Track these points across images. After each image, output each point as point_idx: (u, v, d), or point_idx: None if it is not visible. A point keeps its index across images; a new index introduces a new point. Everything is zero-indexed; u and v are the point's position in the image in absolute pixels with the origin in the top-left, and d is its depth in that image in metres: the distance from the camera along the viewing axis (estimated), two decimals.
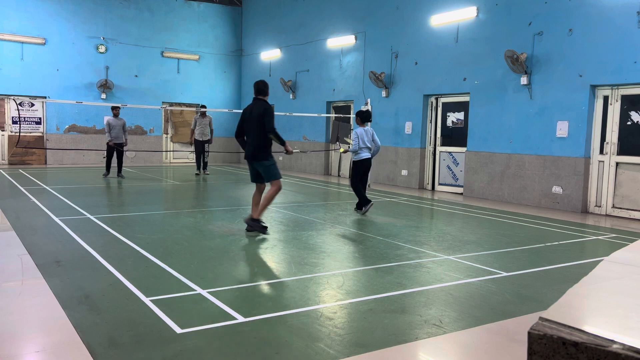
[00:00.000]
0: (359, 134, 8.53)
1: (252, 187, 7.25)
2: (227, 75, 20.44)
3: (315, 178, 15.03)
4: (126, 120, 18.03)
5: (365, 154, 8.59)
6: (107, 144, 13.16)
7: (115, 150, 13.25)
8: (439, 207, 10.15)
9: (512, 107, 10.79)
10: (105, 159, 13.44)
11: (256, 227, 6.64)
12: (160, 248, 5.89)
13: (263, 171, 6.66)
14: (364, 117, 8.65)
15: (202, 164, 14.65)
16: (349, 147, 8.87)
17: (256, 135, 6.59)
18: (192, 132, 14.50)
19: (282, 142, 6.73)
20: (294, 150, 7.30)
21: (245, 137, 6.86)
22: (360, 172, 8.67)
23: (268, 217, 8.04)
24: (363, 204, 8.54)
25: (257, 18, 19.60)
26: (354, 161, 8.71)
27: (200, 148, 14.46)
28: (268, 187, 6.85)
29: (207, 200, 10.58)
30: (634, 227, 8.33)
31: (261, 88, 6.87)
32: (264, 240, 6.50)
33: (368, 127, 8.74)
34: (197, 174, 14.68)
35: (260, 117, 6.54)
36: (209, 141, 14.51)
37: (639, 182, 9.07)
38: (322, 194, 11.79)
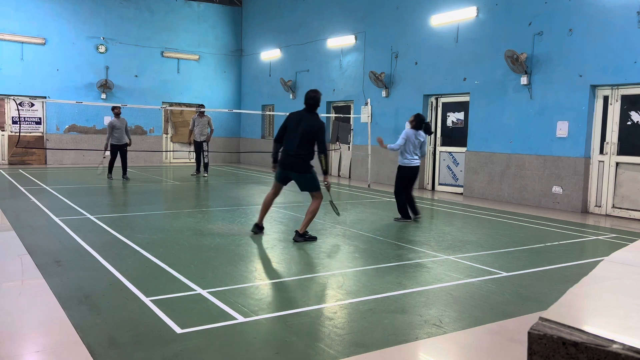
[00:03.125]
0: (408, 134, 7.85)
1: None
2: (227, 75, 20.44)
3: None
4: (127, 121, 18.16)
5: (415, 161, 7.93)
6: (105, 149, 12.96)
7: (118, 151, 12.95)
8: (439, 207, 10.15)
9: (512, 107, 10.79)
10: (108, 160, 13.17)
11: (307, 240, 6.40)
12: (160, 248, 5.89)
13: (304, 183, 6.44)
14: (418, 122, 7.91)
15: (202, 165, 14.42)
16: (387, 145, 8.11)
17: (302, 148, 6.32)
18: (191, 132, 14.28)
19: (326, 170, 6.48)
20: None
21: (283, 143, 6.53)
22: (404, 179, 7.96)
23: (268, 217, 8.03)
24: (402, 215, 7.99)
25: (257, 18, 19.60)
26: (399, 166, 8.03)
27: (198, 148, 14.27)
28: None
29: (207, 200, 10.58)
30: (634, 227, 8.33)
31: (315, 102, 6.45)
32: (264, 240, 6.50)
33: (421, 133, 7.94)
34: (192, 175, 14.51)
35: (314, 134, 6.30)
36: (206, 140, 14.26)
37: (639, 182, 9.07)
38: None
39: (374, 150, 13.88)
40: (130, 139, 13.20)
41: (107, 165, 13.25)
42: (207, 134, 14.15)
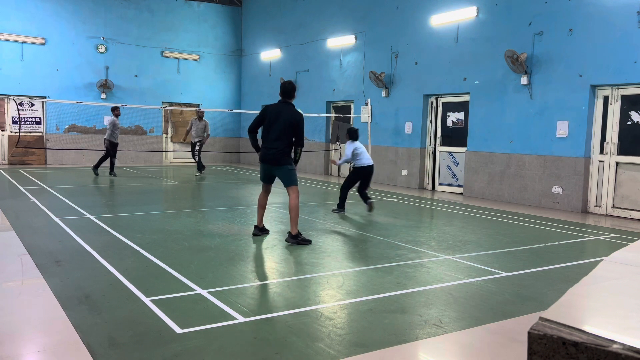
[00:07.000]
0: (356, 145, 8.72)
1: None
2: (227, 75, 20.44)
3: (315, 178, 15.03)
4: (126, 120, 18.21)
5: (368, 161, 8.78)
6: (112, 142, 13.47)
7: (113, 149, 13.60)
8: (439, 207, 10.15)
9: (512, 107, 10.79)
10: (107, 158, 13.67)
11: (300, 242, 6.21)
12: (160, 248, 5.89)
13: (283, 175, 6.30)
14: (354, 135, 8.84)
15: (197, 164, 14.68)
16: (338, 159, 8.99)
17: (282, 140, 6.24)
18: (187, 133, 14.57)
19: (297, 161, 6.51)
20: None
21: (261, 136, 6.44)
22: (358, 177, 8.81)
23: (268, 217, 8.02)
24: (340, 207, 8.83)
25: (257, 18, 19.60)
26: (355, 167, 8.77)
27: (193, 148, 14.54)
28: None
29: (207, 200, 10.57)
30: (634, 227, 8.33)
31: (289, 90, 6.47)
32: (263, 240, 6.50)
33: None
34: (197, 175, 14.79)
35: (293, 126, 6.28)
36: (201, 142, 14.49)
37: (639, 182, 9.07)
38: (322, 194, 11.78)
39: (374, 150, 13.86)
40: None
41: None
42: (203, 137, 14.41)
